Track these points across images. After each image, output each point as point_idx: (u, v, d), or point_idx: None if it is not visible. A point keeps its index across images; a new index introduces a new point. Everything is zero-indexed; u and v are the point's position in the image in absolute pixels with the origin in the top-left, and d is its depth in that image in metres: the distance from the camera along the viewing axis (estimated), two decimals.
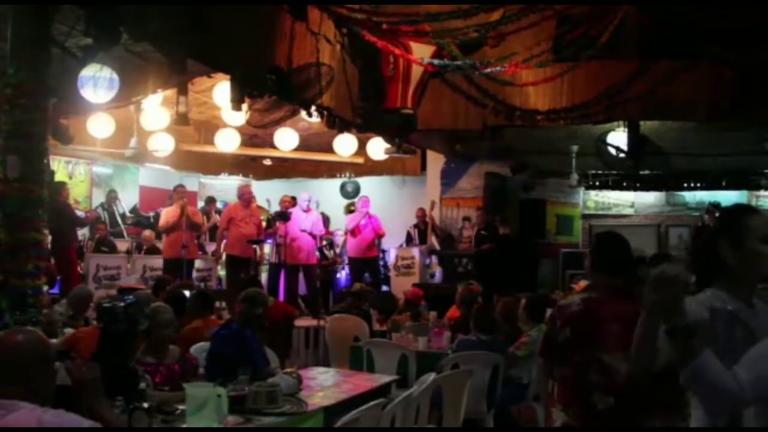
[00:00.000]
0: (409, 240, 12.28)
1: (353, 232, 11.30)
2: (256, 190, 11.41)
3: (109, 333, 3.97)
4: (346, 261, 12.15)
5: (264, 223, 11.16)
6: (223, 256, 11.46)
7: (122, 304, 4.00)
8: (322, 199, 12.37)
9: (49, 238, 9.34)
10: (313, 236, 11.00)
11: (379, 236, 11.54)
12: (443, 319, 7.90)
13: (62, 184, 9.75)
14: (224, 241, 10.73)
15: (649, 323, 2.13)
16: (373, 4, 6.78)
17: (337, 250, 12.36)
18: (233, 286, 9.24)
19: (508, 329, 6.33)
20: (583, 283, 7.87)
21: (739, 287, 2.35)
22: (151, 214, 11.80)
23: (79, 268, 9.74)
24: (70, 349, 4.81)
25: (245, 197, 10.71)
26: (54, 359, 2.62)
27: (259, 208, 11.32)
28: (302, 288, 11.14)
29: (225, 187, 13.87)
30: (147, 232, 11.22)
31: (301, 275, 11.00)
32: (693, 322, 2.07)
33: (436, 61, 7.43)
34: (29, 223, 4.82)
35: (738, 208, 2.55)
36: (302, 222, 10.78)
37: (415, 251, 11.61)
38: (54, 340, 5.34)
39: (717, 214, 2.42)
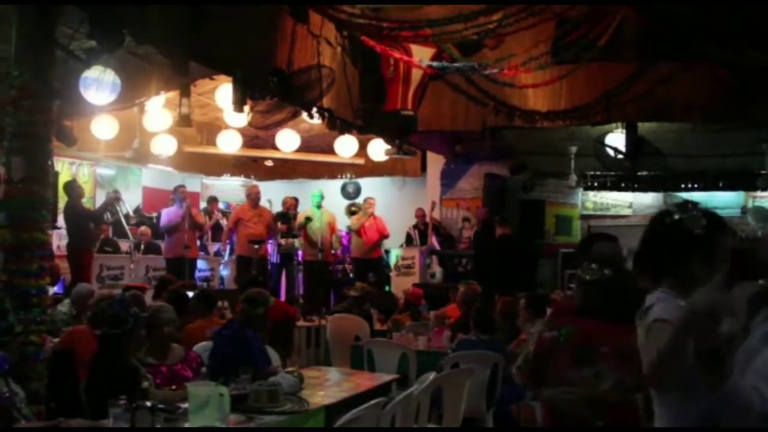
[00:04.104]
0: (409, 241, 12.33)
1: (358, 232, 11.38)
2: None
3: (102, 337, 4.04)
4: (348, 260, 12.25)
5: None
6: (226, 256, 11.56)
7: (104, 306, 4.06)
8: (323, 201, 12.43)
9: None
10: (332, 232, 11.21)
11: (384, 237, 11.61)
12: (440, 312, 7.99)
13: (71, 183, 9.85)
14: (228, 241, 10.84)
15: (679, 337, 1.94)
16: (373, 4, 6.82)
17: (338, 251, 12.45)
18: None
19: (507, 329, 6.39)
20: None
21: None
22: (154, 214, 11.85)
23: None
24: (70, 348, 4.88)
25: (252, 197, 10.79)
26: None
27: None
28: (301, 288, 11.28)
29: (227, 188, 13.93)
30: (143, 228, 11.25)
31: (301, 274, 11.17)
32: (725, 346, 1.87)
33: (435, 64, 7.47)
34: (33, 224, 4.85)
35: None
36: (313, 226, 10.93)
37: (416, 251, 11.66)
38: (55, 340, 5.42)
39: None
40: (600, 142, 9.94)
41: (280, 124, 8.52)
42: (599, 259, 3.14)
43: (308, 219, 10.94)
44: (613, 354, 2.88)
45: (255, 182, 12.46)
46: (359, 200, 12.96)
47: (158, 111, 9.00)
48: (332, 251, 10.96)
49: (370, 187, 13.58)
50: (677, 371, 1.97)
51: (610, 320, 2.96)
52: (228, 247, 11.73)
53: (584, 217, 12.61)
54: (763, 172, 10.16)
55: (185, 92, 6.71)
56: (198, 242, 10.96)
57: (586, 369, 2.90)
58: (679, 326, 1.94)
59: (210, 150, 11.26)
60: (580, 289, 3.12)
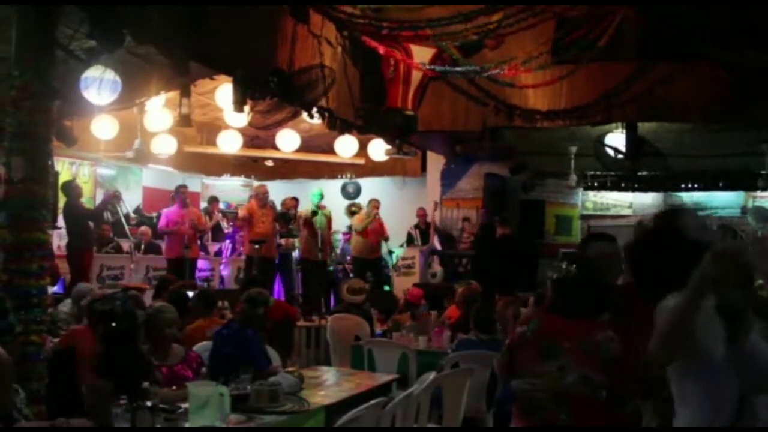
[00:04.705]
0: (410, 240, 12.34)
1: (362, 233, 11.39)
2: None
3: (115, 332, 4.05)
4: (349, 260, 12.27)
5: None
6: (228, 253, 11.61)
7: (119, 302, 4.09)
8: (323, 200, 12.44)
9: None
10: (330, 230, 11.27)
11: (385, 239, 11.62)
12: (442, 317, 7.97)
13: (69, 183, 9.82)
14: (230, 240, 10.87)
15: (694, 296, 2.01)
16: (374, 3, 6.82)
17: (337, 251, 12.46)
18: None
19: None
20: None
21: None
22: (154, 214, 11.88)
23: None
24: (72, 347, 4.87)
25: (261, 197, 10.81)
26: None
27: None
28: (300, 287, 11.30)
29: (227, 188, 13.94)
30: (143, 228, 11.27)
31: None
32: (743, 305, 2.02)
33: (437, 68, 7.48)
34: (33, 224, 4.85)
35: None
36: (318, 218, 10.96)
37: (416, 251, 11.67)
38: (55, 340, 5.41)
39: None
40: (600, 142, 9.95)
41: (280, 124, 8.54)
42: (571, 258, 3.21)
43: (315, 212, 10.94)
44: (575, 349, 2.93)
45: (257, 182, 12.47)
46: (359, 200, 12.96)
47: (158, 111, 9.01)
48: (330, 251, 10.97)
49: (370, 187, 13.58)
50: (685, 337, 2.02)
51: (573, 316, 3.03)
52: (230, 246, 11.75)
53: (584, 217, 12.62)
54: (763, 172, 10.17)
55: (185, 92, 6.72)
56: (198, 242, 10.96)
57: (550, 362, 2.96)
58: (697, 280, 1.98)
59: (210, 150, 11.27)
60: (550, 287, 3.20)
